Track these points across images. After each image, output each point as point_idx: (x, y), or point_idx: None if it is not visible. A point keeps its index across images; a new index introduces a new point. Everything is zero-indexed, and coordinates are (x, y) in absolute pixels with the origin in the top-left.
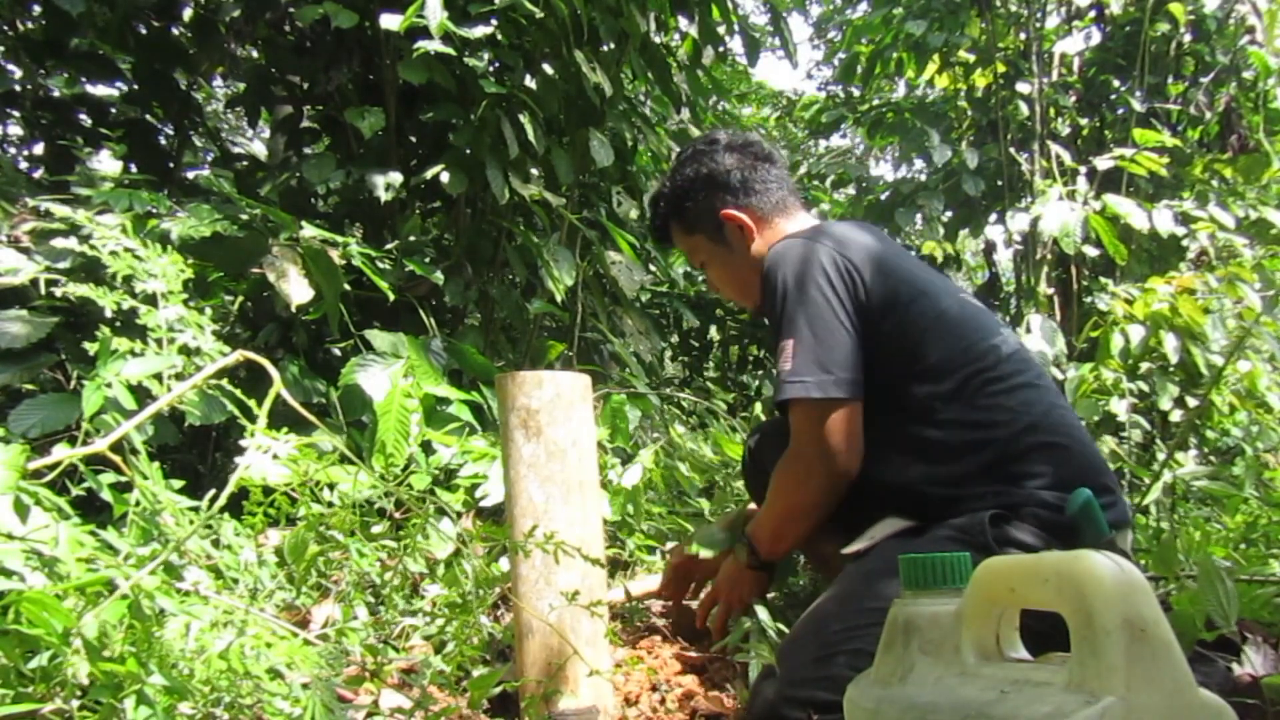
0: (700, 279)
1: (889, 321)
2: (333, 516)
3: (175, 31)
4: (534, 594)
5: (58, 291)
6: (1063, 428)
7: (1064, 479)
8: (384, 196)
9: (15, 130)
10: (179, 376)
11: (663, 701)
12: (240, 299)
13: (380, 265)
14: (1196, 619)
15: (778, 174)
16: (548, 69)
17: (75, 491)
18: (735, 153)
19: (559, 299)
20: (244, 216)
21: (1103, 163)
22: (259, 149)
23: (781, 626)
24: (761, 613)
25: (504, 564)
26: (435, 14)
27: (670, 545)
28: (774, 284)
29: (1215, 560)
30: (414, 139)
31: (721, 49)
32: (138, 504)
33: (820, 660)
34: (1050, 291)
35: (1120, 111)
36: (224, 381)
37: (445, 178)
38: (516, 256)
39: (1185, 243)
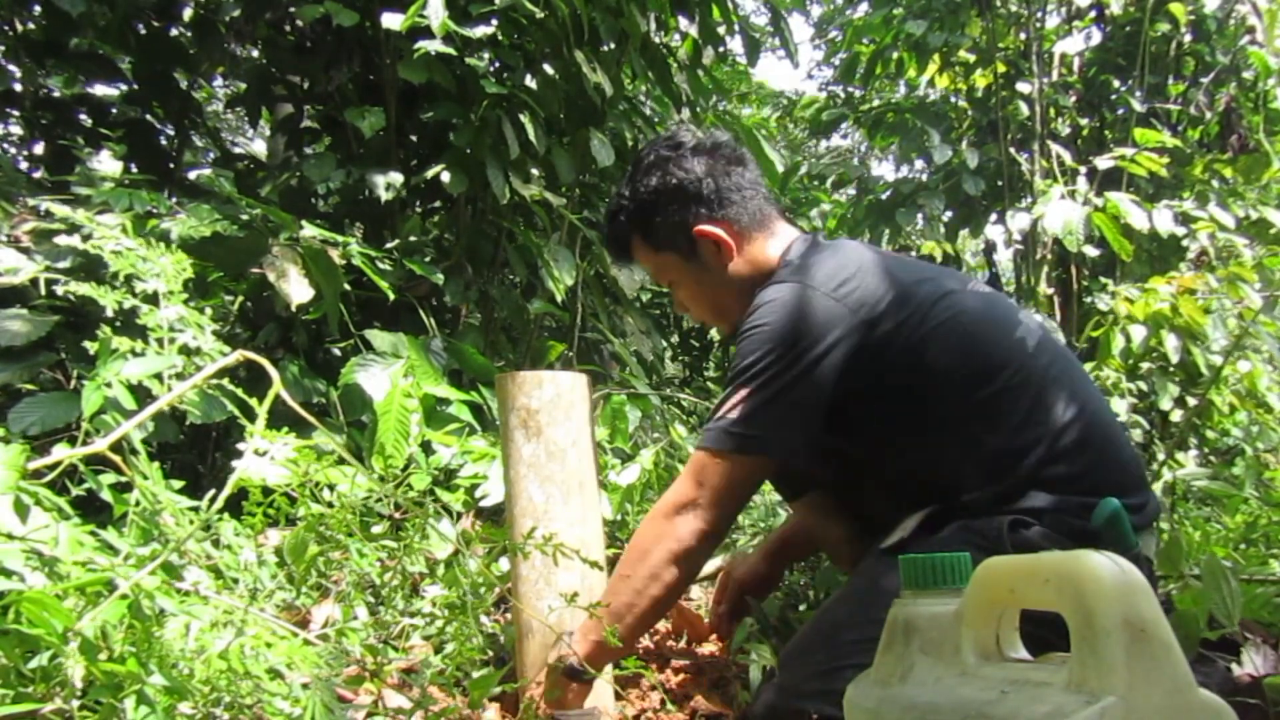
0: None
1: (911, 337)
2: (332, 517)
3: (175, 31)
4: (534, 595)
5: (58, 291)
6: (1095, 426)
7: (1095, 484)
8: (384, 196)
9: (15, 130)
10: (179, 376)
11: (663, 702)
12: (240, 299)
13: (380, 265)
14: (1199, 618)
15: (751, 178)
16: (548, 69)
17: (75, 491)
18: (705, 157)
19: (559, 299)
20: (244, 216)
21: (1103, 163)
22: (259, 149)
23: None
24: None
25: (504, 564)
26: (437, 13)
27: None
28: (756, 332)
29: (1219, 560)
30: (414, 139)
31: (721, 49)
32: (138, 504)
33: (827, 673)
34: (1050, 291)
35: (1120, 111)
36: (224, 381)
37: (445, 178)
38: (517, 256)
39: (1185, 243)
